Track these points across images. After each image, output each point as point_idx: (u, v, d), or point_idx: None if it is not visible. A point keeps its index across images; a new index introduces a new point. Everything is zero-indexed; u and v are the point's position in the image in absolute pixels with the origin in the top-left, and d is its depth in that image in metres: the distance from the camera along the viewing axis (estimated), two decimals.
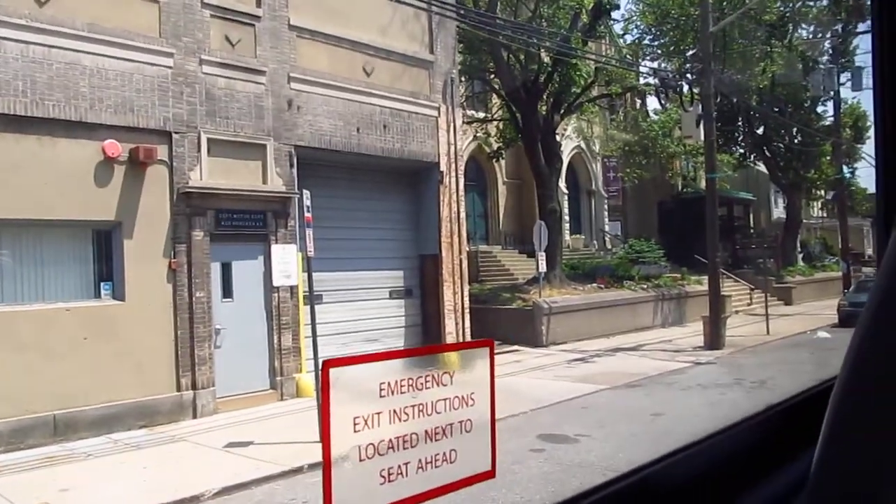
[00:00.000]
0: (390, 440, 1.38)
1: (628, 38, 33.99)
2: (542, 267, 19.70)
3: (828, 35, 33.93)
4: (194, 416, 11.39)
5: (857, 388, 0.91)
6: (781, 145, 37.82)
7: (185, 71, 11.61)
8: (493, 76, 22.40)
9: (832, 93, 29.18)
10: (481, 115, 26.46)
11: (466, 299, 15.76)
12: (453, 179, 15.55)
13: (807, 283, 33.84)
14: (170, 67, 11.45)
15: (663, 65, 30.91)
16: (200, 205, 11.64)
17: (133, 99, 11.03)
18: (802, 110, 35.93)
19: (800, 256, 43.15)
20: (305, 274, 13.55)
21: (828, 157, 36.66)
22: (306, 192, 9.74)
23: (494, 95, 25.43)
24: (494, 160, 26.23)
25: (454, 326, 15.46)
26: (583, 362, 16.93)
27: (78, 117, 10.48)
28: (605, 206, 36.21)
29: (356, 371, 1.36)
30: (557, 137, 32.79)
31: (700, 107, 18.77)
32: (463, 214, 15.78)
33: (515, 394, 13.21)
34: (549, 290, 21.51)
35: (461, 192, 15.76)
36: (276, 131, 12.71)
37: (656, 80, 18.81)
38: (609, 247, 34.70)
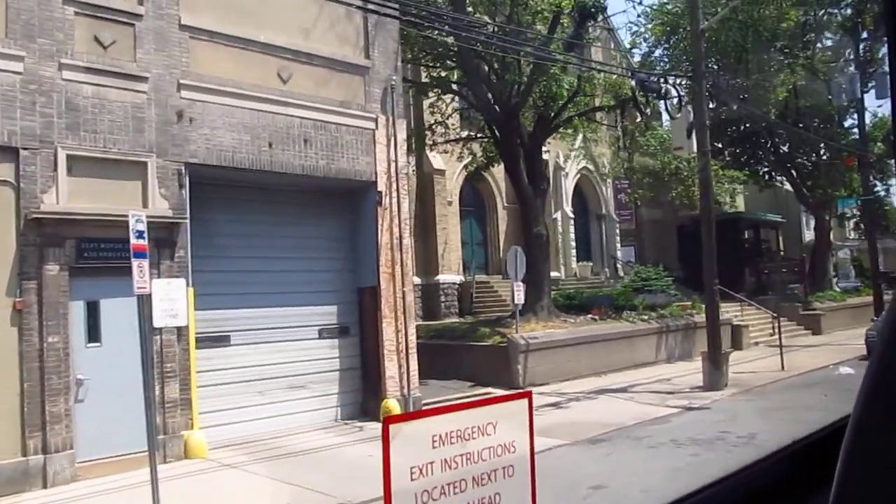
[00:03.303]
0: (442, 486, 1.53)
1: (637, 54, 32.03)
2: (519, 298, 17.53)
3: (851, 44, 31.43)
4: (44, 486, 9.47)
5: (872, 422, 0.88)
6: (808, 162, 35.23)
7: (38, 77, 9.86)
8: (466, 89, 20.38)
9: (855, 102, 26.59)
10: (466, 134, 24.44)
11: (412, 338, 13.66)
12: (395, 200, 13.56)
13: (838, 309, 30.95)
14: (18, 73, 9.71)
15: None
16: (56, 233, 9.82)
17: None
18: (828, 124, 33.35)
19: (834, 280, 40.26)
20: (207, 312, 11.74)
21: (858, 174, 33.98)
22: (135, 214, 7.85)
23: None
24: (476, 181, 24.11)
25: (396, 369, 13.37)
26: (555, 408, 14.71)
27: None
28: (617, 231, 33.92)
29: (413, 426, 1.55)
30: (561, 159, 30.85)
31: (691, 114, 16.58)
32: (407, 240, 13.75)
33: None
34: (534, 324, 19.33)
35: (405, 215, 13.75)
36: (160, 146, 10.89)
37: (634, 83, 16.63)
38: (621, 274, 32.33)
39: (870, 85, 27.37)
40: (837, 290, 36.57)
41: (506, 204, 29.91)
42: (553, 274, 30.12)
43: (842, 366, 19.10)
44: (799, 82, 29.52)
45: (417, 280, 27.06)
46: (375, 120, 13.53)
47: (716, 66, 31.66)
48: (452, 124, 23.45)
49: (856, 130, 33.44)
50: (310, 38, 12.81)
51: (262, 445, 11.43)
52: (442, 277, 26.90)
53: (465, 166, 23.64)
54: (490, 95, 19.61)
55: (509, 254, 17.77)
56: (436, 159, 26.66)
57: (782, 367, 19.25)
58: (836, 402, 13.82)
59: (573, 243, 31.30)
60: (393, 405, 13.05)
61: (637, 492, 8.10)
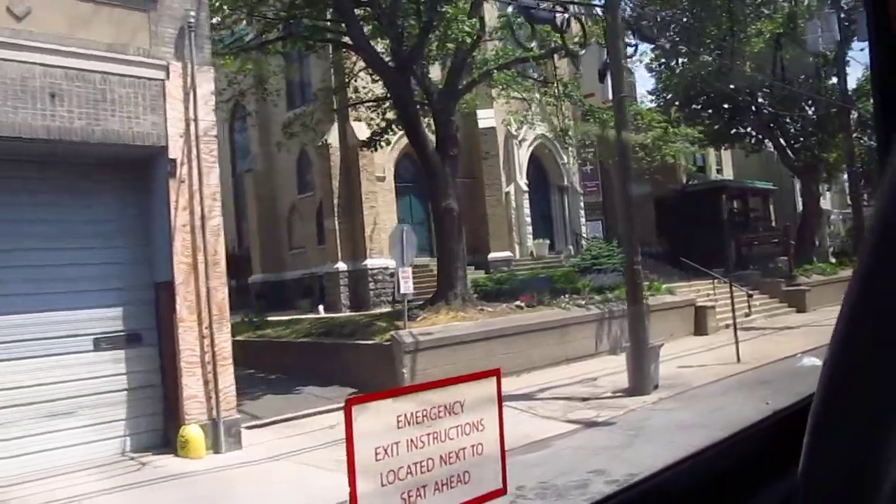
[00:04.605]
0: (409, 466, 1.53)
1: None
2: (406, 288, 14.55)
3: None
4: None
5: (836, 394, 0.88)
6: (795, 122, 31.81)
7: None
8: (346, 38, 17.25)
9: (836, 52, 23.23)
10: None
11: (224, 345, 10.67)
12: (195, 170, 10.57)
13: (827, 283, 27.63)
14: None
15: None
16: None
17: None
18: (814, 79, 29.95)
19: (830, 251, 37.03)
20: None
21: (853, 134, 30.57)
22: None
23: None
24: (370, 150, 21.01)
25: (200, 386, 10.42)
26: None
27: None
28: (581, 205, 30.78)
29: (377, 406, 1.52)
30: (513, 125, 27.60)
31: (605, 52, 13.46)
32: (216, 221, 10.75)
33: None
34: (443, 315, 16.39)
35: (212, 189, 10.76)
36: None
37: (513, 11, 13.45)
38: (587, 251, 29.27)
39: (852, 28, 23.90)
40: (832, 260, 33.36)
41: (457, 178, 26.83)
42: (506, 254, 27.17)
43: (807, 356, 15.89)
44: (776, 31, 26.22)
45: (343, 266, 24.21)
46: (166, 68, 10.51)
47: (690, 18, 28.57)
48: (364, 86, 20.38)
49: (850, 87, 30.11)
50: None
51: None
52: (371, 262, 23.97)
53: (373, 135, 20.49)
54: (390, 47, 16.58)
55: (393, 233, 14.80)
56: (360, 129, 23.63)
57: (738, 359, 16.13)
58: (781, 404, 10.84)
59: (528, 219, 28.22)
60: (194, 433, 10.13)
61: None
